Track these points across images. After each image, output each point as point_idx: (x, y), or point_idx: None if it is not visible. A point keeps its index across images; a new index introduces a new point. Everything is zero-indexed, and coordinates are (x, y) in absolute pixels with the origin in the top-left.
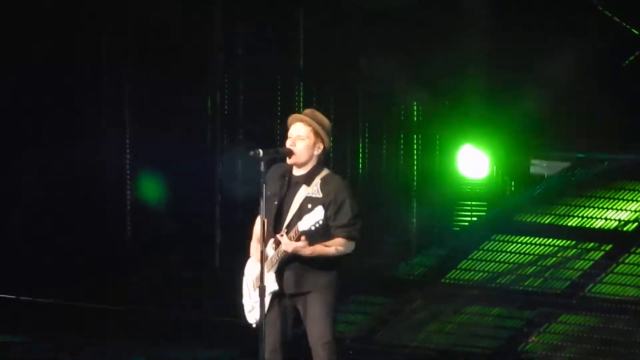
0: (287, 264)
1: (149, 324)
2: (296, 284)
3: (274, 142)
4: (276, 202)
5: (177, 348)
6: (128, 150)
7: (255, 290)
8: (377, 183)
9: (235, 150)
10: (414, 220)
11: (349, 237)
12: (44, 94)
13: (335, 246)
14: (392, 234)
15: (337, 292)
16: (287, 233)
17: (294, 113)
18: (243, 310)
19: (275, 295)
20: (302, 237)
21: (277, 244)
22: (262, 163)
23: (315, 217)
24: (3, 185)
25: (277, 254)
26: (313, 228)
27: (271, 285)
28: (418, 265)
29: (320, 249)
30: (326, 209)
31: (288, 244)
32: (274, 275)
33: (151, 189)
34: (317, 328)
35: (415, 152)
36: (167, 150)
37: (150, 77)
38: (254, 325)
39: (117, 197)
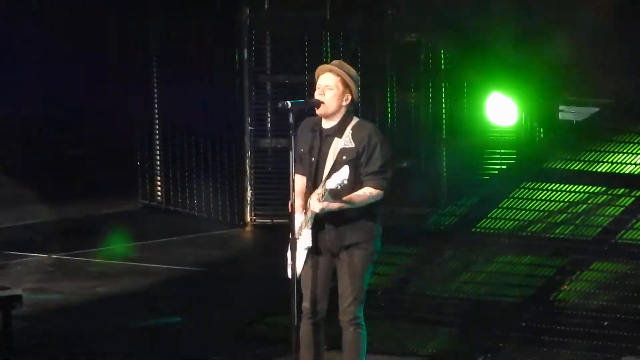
0: (325, 220)
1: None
2: (333, 239)
3: (302, 94)
4: (313, 159)
5: (216, 304)
6: (156, 106)
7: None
8: (406, 132)
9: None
10: (444, 169)
11: (377, 187)
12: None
13: (362, 197)
14: (421, 183)
15: (376, 245)
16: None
17: (322, 65)
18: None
19: (312, 250)
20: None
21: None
22: (291, 114)
23: (341, 176)
24: None
25: (309, 213)
26: (339, 187)
27: (306, 241)
28: (448, 214)
29: (347, 199)
30: (360, 156)
31: (315, 205)
32: (309, 231)
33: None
34: (347, 282)
35: (443, 101)
36: (195, 105)
37: (176, 32)
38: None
39: (147, 151)
